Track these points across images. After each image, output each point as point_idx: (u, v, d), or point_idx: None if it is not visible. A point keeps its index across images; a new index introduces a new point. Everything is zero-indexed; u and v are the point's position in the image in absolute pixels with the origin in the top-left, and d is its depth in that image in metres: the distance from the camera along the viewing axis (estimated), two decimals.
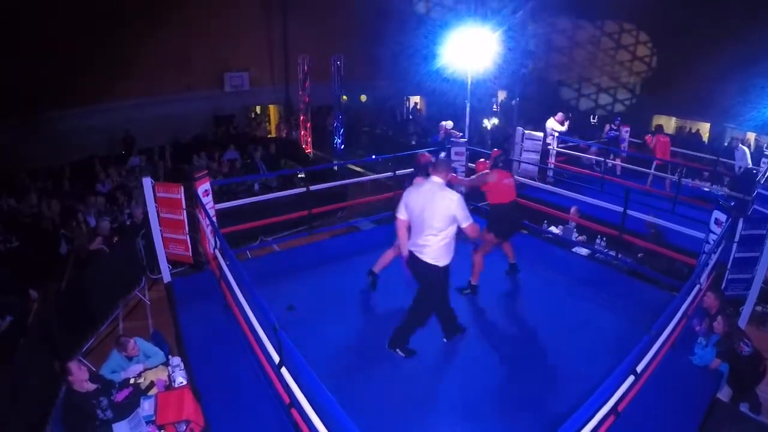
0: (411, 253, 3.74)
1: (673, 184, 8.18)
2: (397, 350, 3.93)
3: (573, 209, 6.40)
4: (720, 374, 3.77)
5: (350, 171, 10.23)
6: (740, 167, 8.27)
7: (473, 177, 4.94)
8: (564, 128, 9.26)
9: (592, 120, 14.76)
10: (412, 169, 5.15)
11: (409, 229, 3.76)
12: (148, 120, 12.44)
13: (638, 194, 7.27)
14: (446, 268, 3.74)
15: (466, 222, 3.62)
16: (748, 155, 8.32)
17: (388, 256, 4.87)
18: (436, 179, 3.69)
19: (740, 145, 8.83)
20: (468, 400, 3.51)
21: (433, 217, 3.56)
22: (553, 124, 9.20)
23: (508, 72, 12.77)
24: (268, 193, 6.78)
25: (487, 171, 4.85)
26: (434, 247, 3.62)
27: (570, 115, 9.68)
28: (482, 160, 5.30)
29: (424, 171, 4.74)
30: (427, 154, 5.13)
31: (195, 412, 3.29)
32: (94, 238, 6.30)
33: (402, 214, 3.76)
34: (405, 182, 4.97)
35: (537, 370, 3.86)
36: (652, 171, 8.90)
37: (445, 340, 4.11)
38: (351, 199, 7.39)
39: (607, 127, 10.77)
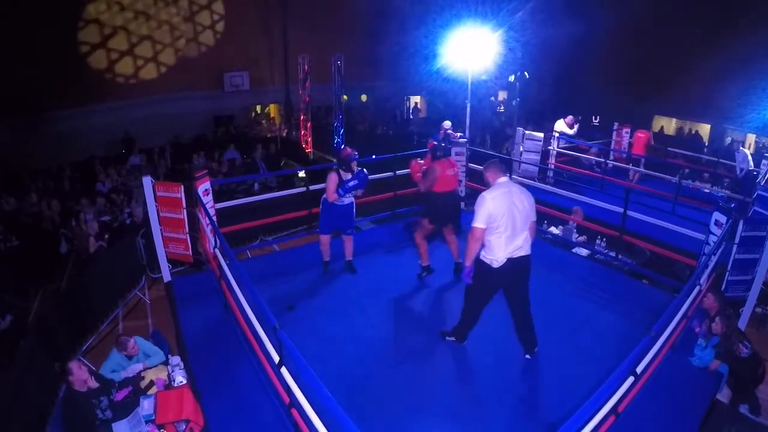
0: (512, 258, 3.50)
1: (673, 185, 8.19)
2: (447, 339, 4.05)
3: (576, 210, 6.40)
4: (720, 376, 3.77)
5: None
6: (741, 169, 8.26)
7: (424, 178, 4.83)
8: (573, 131, 9.26)
9: (593, 121, 14.76)
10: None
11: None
12: (148, 120, 12.45)
13: (638, 195, 7.27)
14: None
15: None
16: (750, 157, 8.32)
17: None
18: (504, 179, 3.58)
19: (741, 147, 8.81)
20: (468, 400, 3.51)
21: (530, 211, 3.53)
22: (562, 126, 9.19)
23: (509, 72, 12.76)
24: (268, 193, 6.77)
25: (426, 167, 4.88)
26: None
27: (579, 118, 9.68)
28: (418, 160, 5.23)
29: (347, 165, 4.83)
30: (348, 149, 5.04)
31: (194, 411, 3.29)
32: (88, 239, 6.31)
33: (483, 224, 3.47)
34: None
35: (537, 370, 3.86)
36: (640, 169, 9.16)
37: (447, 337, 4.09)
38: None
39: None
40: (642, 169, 9.18)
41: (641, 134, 9.41)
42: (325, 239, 5.09)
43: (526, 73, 10.24)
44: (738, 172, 8.39)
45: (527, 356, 3.88)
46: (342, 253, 5.27)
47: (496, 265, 3.51)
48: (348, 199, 4.97)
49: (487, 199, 3.45)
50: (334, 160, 5.97)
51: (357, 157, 4.92)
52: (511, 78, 9.26)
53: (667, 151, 10.06)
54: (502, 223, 3.43)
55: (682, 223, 5.39)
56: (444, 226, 5.01)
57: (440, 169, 4.72)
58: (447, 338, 4.09)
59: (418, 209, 5.12)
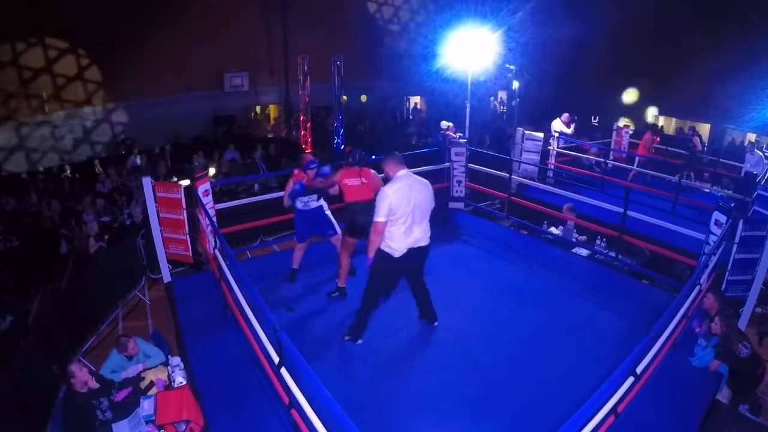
0: (412, 248, 3.76)
1: (673, 185, 8.18)
2: (346, 338, 4.08)
3: (566, 207, 6.37)
4: (720, 376, 3.77)
5: None
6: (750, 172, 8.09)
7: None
8: (570, 130, 9.20)
9: (593, 120, 14.76)
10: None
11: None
12: (148, 120, 12.45)
13: (638, 195, 7.26)
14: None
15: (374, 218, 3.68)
16: (765, 161, 8.15)
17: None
18: (403, 172, 3.75)
19: (755, 150, 8.67)
20: (468, 400, 3.51)
21: (429, 203, 3.77)
22: (559, 125, 9.17)
23: (508, 72, 12.76)
24: (268, 193, 6.77)
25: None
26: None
27: (575, 117, 9.64)
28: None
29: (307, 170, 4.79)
30: (310, 155, 5.11)
31: (195, 412, 3.29)
32: (88, 240, 6.31)
33: (385, 217, 3.64)
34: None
35: (537, 370, 3.86)
36: (635, 167, 9.18)
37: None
38: None
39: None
40: (636, 168, 9.20)
41: (647, 135, 9.36)
42: (299, 246, 5.15)
43: (525, 74, 10.24)
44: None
45: (435, 324, 4.28)
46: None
47: (397, 255, 3.74)
48: (315, 203, 4.97)
49: (389, 193, 3.61)
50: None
51: (315, 164, 4.84)
52: (511, 66, 9.15)
53: (667, 151, 10.06)
54: (402, 215, 3.62)
55: (682, 223, 5.38)
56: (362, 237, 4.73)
57: (341, 176, 4.53)
58: (345, 338, 4.09)
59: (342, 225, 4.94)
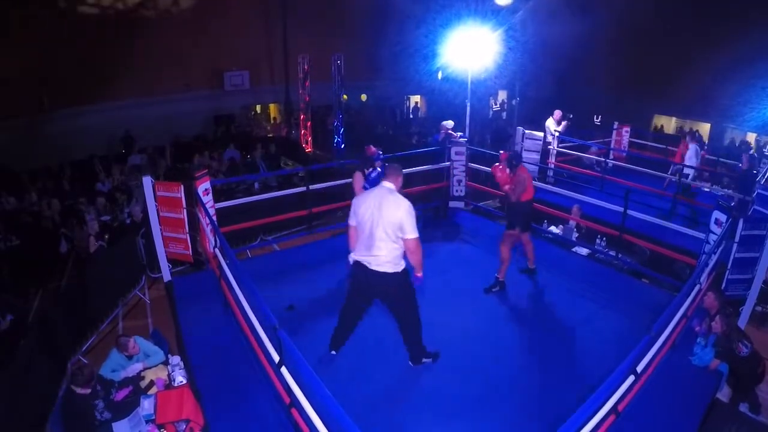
0: (359, 263, 3.45)
1: (671, 184, 8.18)
2: (424, 361, 3.76)
3: (575, 208, 6.39)
4: (720, 374, 3.77)
5: (350, 170, 10.22)
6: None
7: (516, 188, 4.85)
8: (560, 128, 9.14)
9: (595, 120, 14.75)
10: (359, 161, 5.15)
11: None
12: (148, 119, 12.43)
13: (639, 194, 7.26)
14: (406, 271, 3.48)
15: (412, 234, 3.31)
16: (699, 153, 8.13)
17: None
18: (387, 184, 3.47)
19: (692, 142, 8.52)
20: (468, 399, 3.51)
21: (383, 225, 3.30)
22: (551, 123, 9.15)
23: (509, 72, 12.77)
24: (268, 192, 6.77)
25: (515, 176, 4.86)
26: (389, 255, 3.34)
27: (570, 115, 9.60)
28: (499, 166, 5.08)
29: (370, 163, 4.89)
30: (373, 147, 5.11)
31: (195, 411, 3.29)
32: (88, 239, 6.31)
33: (352, 221, 3.54)
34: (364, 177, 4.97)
35: (537, 369, 3.86)
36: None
37: (411, 364, 3.77)
38: (351, 198, 7.34)
39: None
40: (671, 177, 8.46)
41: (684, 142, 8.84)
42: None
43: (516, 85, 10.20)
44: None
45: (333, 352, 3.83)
46: (340, 252, 5.25)
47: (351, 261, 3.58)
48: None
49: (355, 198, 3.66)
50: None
51: (381, 155, 5.03)
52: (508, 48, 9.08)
53: (667, 150, 10.05)
54: (360, 224, 3.49)
55: (682, 222, 5.38)
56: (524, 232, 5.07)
57: (529, 176, 4.85)
58: (424, 362, 3.80)
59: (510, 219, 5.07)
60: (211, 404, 3.40)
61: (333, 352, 3.84)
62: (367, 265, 3.41)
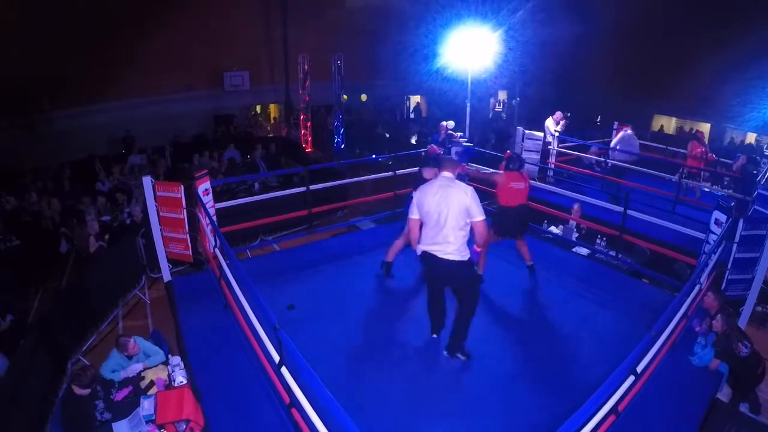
0: (427, 253, 3.61)
1: (673, 184, 8.17)
2: (458, 355, 3.85)
3: (575, 206, 6.39)
4: (720, 375, 3.77)
5: (350, 170, 10.24)
6: None
7: (487, 171, 4.94)
8: (558, 128, 9.17)
9: (596, 120, 14.77)
10: (418, 168, 5.13)
11: (421, 227, 3.67)
12: (148, 120, 12.44)
13: (639, 194, 7.26)
14: (471, 261, 3.68)
15: (480, 216, 3.55)
16: (634, 141, 8.26)
17: (399, 244, 4.98)
18: (446, 174, 3.66)
19: (628, 130, 8.58)
20: (468, 399, 3.51)
21: (451, 213, 3.50)
22: (550, 123, 9.17)
23: (509, 72, 12.76)
24: (268, 193, 6.77)
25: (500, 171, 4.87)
26: (458, 243, 3.53)
27: (568, 114, 9.61)
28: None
29: (435, 162, 4.82)
30: (435, 146, 5.25)
31: (195, 411, 3.29)
32: (88, 239, 6.31)
33: (415, 215, 3.68)
34: (416, 181, 4.96)
35: (537, 369, 3.86)
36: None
37: (445, 353, 3.89)
38: (351, 198, 7.39)
39: None
40: (672, 177, 8.17)
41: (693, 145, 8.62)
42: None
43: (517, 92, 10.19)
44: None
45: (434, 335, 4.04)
46: (341, 253, 5.27)
47: (419, 252, 3.73)
48: None
49: (417, 192, 3.76)
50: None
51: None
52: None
53: (667, 150, 10.05)
54: (428, 216, 3.64)
55: (682, 222, 5.38)
56: (511, 237, 5.05)
57: (504, 180, 4.74)
58: (464, 357, 3.91)
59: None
60: (211, 404, 3.40)
61: (434, 336, 4.06)
62: (437, 254, 3.57)
